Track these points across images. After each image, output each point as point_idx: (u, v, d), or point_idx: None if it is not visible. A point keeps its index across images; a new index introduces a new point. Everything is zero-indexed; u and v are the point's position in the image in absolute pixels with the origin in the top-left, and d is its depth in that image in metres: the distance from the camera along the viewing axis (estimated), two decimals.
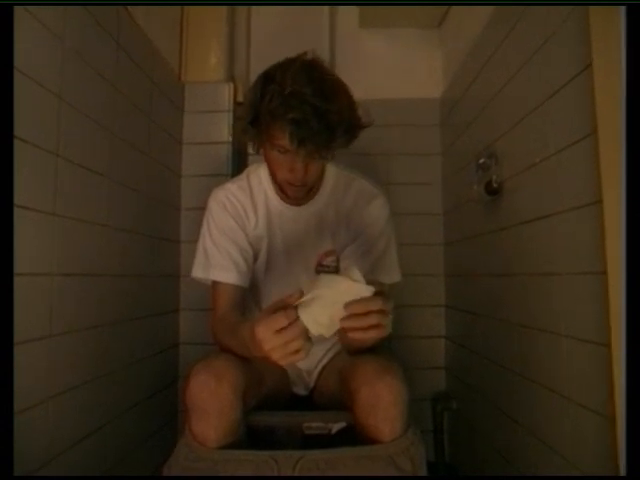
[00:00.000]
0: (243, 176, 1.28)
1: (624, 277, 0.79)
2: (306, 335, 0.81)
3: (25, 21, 0.95)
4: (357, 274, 0.81)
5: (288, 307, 0.81)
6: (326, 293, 0.80)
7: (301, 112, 0.97)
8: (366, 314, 0.80)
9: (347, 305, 0.79)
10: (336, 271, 1.24)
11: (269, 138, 1.05)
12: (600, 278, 0.87)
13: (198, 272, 1.22)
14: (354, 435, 1.01)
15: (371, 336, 0.82)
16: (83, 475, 1.16)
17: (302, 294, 0.81)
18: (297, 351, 0.81)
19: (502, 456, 1.37)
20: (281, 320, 0.79)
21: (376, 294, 0.81)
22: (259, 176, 1.26)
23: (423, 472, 0.95)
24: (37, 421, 0.99)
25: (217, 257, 1.19)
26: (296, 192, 1.15)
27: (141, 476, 1.48)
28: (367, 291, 0.81)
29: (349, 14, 2.07)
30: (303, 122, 0.97)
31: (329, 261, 1.25)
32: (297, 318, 0.79)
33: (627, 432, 0.78)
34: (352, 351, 1.13)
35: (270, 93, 1.00)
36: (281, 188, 1.16)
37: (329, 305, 0.80)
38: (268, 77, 1.04)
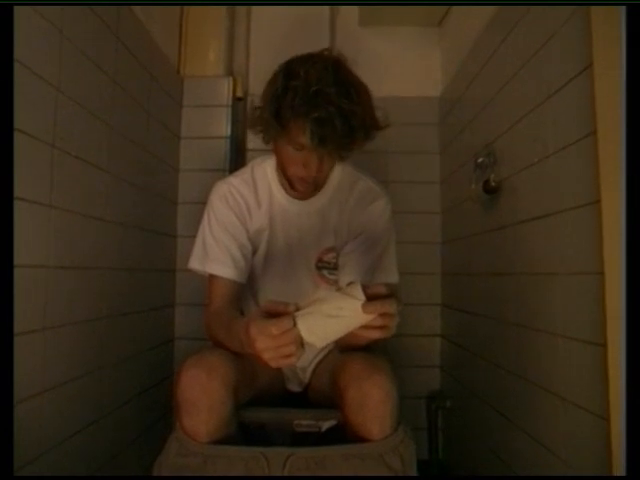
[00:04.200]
0: (247, 169, 1.27)
1: (621, 277, 0.79)
2: (299, 341, 0.80)
3: (24, 12, 0.94)
4: (359, 292, 0.79)
5: (284, 314, 0.80)
6: (325, 305, 0.80)
7: (326, 112, 0.96)
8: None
9: (365, 305, 0.77)
10: (335, 268, 1.24)
11: (287, 134, 1.04)
12: (597, 278, 0.87)
13: (195, 264, 1.22)
14: (344, 433, 1.01)
15: (374, 336, 0.81)
16: (83, 475, 1.17)
17: (297, 307, 0.80)
18: (288, 356, 0.80)
19: (496, 455, 1.37)
20: (276, 328, 0.78)
21: (387, 296, 0.80)
22: (264, 169, 1.25)
23: (413, 470, 0.95)
24: (30, 414, 0.99)
25: (215, 251, 1.18)
26: (305, 187, 1.15)
27: (137, 476, 1.47)
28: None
29: (349, 12, 2.07)
30: (327, 122, 0.97)
31: (329, 257, 1.25)
32: (293, 325, 0.79)
33: (627, 432, 0.77)
34: (345, 348, 1.12)
35: (294, 89, 0.99)
36: (290, 182, 1.16)
37: (326, 318, 0.79)
38: (291, 72, 1.02)
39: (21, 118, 0.93)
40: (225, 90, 1.90)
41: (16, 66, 0.91)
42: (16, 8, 0.89)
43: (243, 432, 1.06)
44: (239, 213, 1.22)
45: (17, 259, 0.92)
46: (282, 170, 1.16)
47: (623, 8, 0.80)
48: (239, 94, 1.93)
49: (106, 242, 1.31)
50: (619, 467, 0.79)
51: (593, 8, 0.88)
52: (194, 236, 1.24)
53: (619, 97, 0.80)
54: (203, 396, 0.94)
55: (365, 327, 0.80)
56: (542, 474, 1.10)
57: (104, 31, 1.28)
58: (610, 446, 0.82)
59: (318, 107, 0.96)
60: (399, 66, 2.05)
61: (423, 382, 1.95)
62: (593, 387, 0.89)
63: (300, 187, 1.15)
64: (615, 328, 0.81)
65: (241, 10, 2.06)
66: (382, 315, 0.78)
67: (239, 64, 2.03)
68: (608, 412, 0.83)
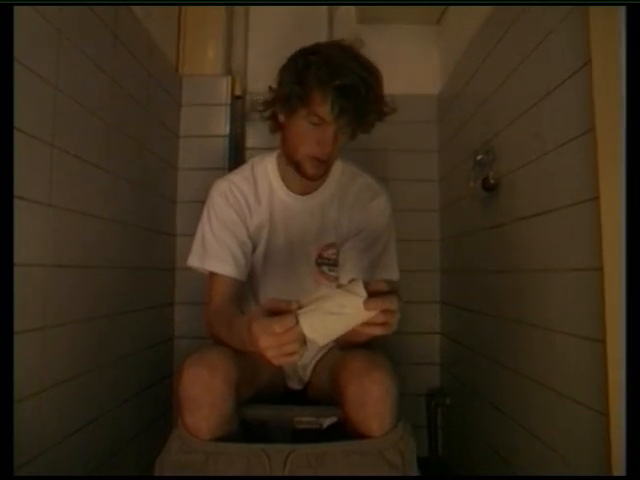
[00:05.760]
0: (247, 166, 1.27)
1: (620, 273, 0.79)
2: (302, 339, 0.80)
3: (22, 11, 0.94)
4: (361, 289, 0.79)
5: (287, 312, 0.79)
6: (327, 303, 0.79)
7: (350, 79, 1.02)
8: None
9: (366, 302, 0.78)
10: (335, 264, 1.24)
11: (308, 104, 1.06)
12: (596, 274, 0.87)
13: (194, 261, 1.21)
14: (344, 430, 1.01)
15: (376, 333, 0.81)
16: (82, 475, 1.17)
17: (300, 305, 0.80)
18: (291, 354, 0.80)
19: (495, 452, 1.38)
20: (279, 326, 0.78)
21: (388, 293, 0.80)
22: (264, 166, 1.25)
23: (413, 466, 0.95)
24: (29, 413, 0.99)
25: (215, 248, 1.18)
26: (317, 168, 1.14)
27: (137, 476, 1.47)
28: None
29: (347, 10, 2.07)
30: (350, 89, 1.02)
31: (329, 254, 1.25)
32: (296, 322, 0.79)
33: (627, 431, 0.77)
34: (344, 345, 1.12)
35: (316, 63, 1.04)
36: (299, 167, 1.15)
37: (328, 315, 0.79)
38: (309, 51, 1.09)
39: (20, 117, 0.93)
40: (224, 89, 1.89)
41: (15, 65, 0.91)
42: (16, 8, 0.89)
43: (244, 429, 1.06)
44: (239, 210, 1.21)
45: (16, 258, 0.92)
46: (291, 154, 1.15)
47: (623, 7, 0.80)
48: (238, 92, 1.93)
49: (105, 241, 1.31)
50: (618, 462, 0.79)
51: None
52: (193, 235, 1.24)
53: (618, 93, 0.80)
54: (205, 393, 0.94)
55: (367, 324, 0.80)
56: (541, 470, 1.11)
57: (103, 30, 1.28)
58: (609, 441, 0.82)
59: (342, 75, 1.02)
60: (397, 64, 2.04)
61: (423, 379, 1.95)
62: (592, 383, 0.90)
63: (311, 169, 1.13)
64: (614, 324, 0.81)
65: (239, 9, 2.05)
66: (384, 312, 0.78)
67: (237, 63, 2.03)
68: (607, 408, 0.83)
